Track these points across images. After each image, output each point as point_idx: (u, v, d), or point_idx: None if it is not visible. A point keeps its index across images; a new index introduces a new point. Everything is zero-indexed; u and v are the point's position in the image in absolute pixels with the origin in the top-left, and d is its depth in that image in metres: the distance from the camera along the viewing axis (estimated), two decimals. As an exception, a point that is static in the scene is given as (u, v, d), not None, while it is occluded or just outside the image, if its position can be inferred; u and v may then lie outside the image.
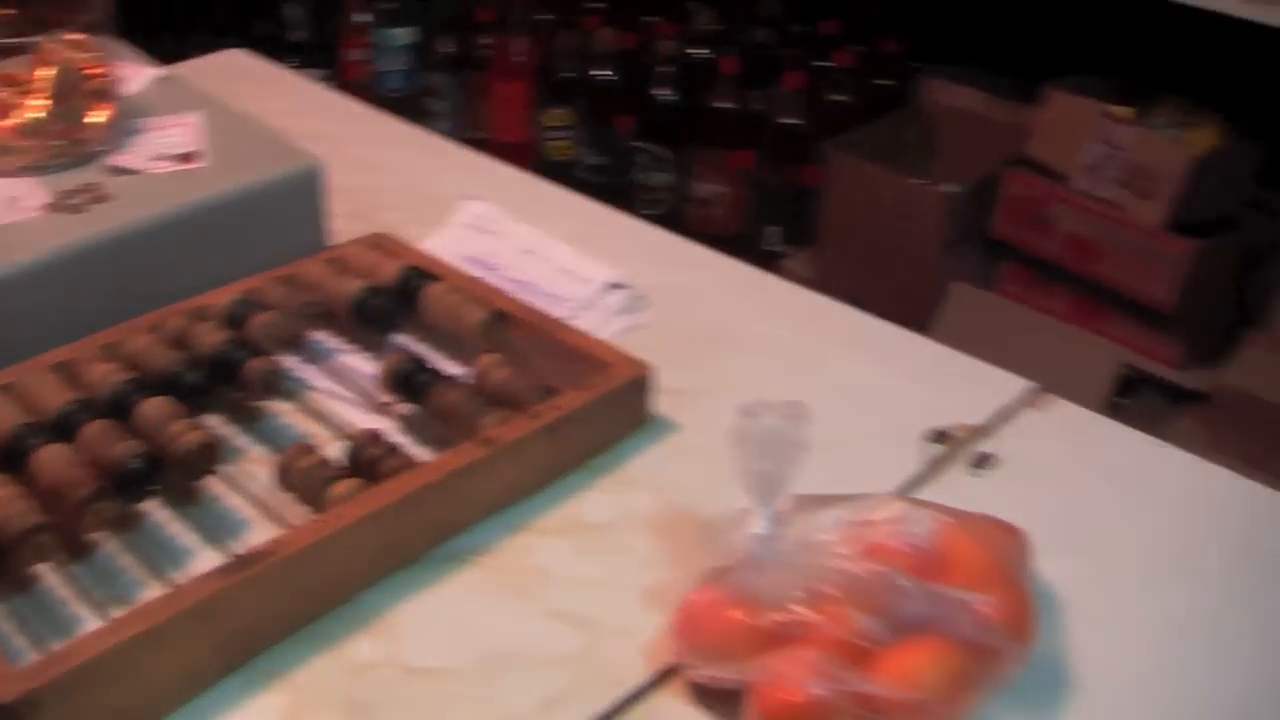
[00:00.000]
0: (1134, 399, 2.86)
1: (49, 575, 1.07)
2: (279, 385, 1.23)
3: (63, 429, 1.13)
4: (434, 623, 1.02)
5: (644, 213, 2.98)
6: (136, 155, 1.41)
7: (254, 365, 1.21)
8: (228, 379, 1.22)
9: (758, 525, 0.96)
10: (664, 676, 1.00)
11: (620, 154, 3.24)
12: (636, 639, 1.03)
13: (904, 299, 1.30)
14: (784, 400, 0.96)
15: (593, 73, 3.21)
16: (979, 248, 3.10)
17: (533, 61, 3.26)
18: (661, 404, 1.25)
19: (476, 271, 1.41)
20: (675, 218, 3.22)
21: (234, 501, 1.14)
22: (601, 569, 1.09)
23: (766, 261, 2.92)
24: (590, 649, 1.02)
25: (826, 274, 3.00)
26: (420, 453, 1.15)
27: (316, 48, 3.54)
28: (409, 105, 3.40)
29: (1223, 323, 2.86)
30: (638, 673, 1.00)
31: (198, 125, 1.47)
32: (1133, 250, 2.86)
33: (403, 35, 3.39)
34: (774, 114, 3.20)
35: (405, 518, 1.07)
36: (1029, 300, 3.05)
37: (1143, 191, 2.85)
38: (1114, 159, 2.89)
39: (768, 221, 3.23)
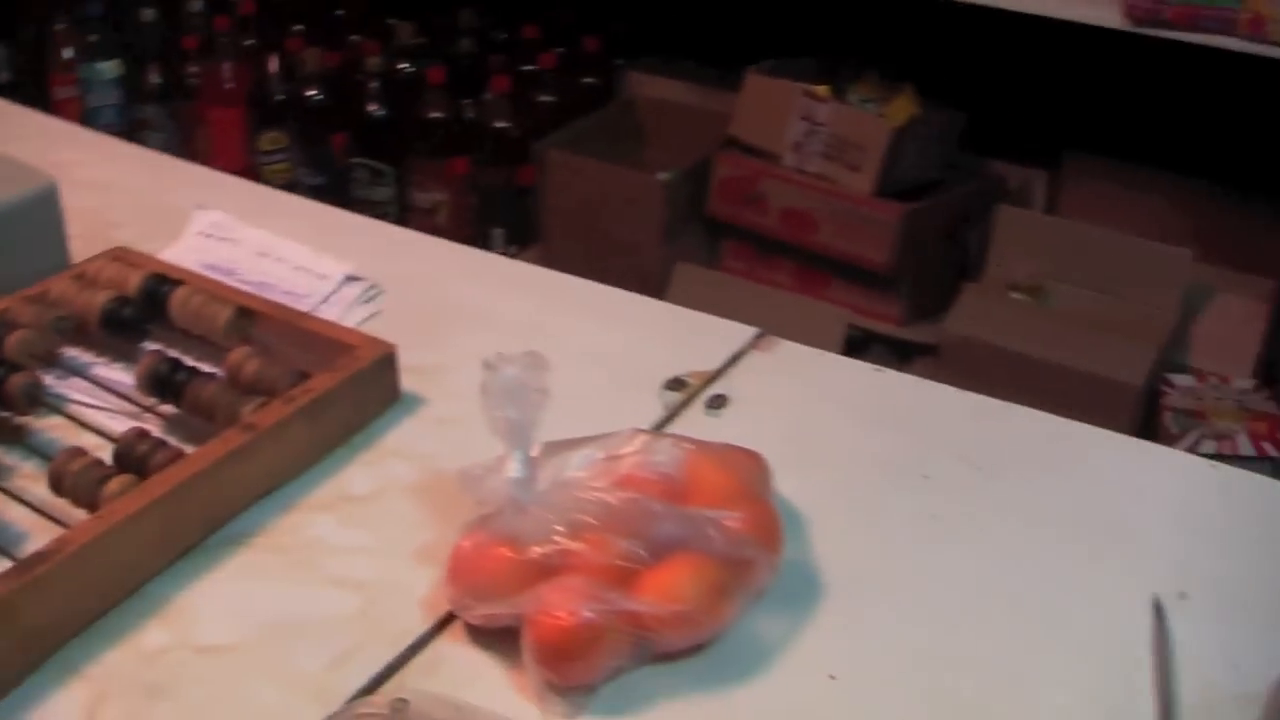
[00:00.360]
0: (863, 358, 2.98)
1: None
2: (41, 399, 1.26)
3: None
4: (219, 603, 1.07)
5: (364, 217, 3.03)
6: None
7: (14, 381, 1.24)
8: (-10, 397, 1.25)
9: (513, 470, 1.03)
10: (442, 624, 1.06)
11: (338, 172, 3.28)
12: (413, 594, 1.08)
13: (630, 285, 1.38)
14: (523, 351, 1.03)
15: (303, 94, 3.24)
16: (698, 230, 3.20)
17: (242, 87, 3.28)
18: (409, 381, 1.31)
19: (215, 277, 1.45)
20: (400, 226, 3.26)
21: (12, 514, 1.17)
22: (371, 536, 1.15)
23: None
24: (369, 609, 1.07)
25: (553, 268, 3.07)
26: (187, 449, 1.19)
27: (26, 86, 3.51)
28: (124, 139, 3.37)
29: (941, 278, 3.00)
30: (417, 624, 1.05)
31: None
32: (846, 218, 2.99)
33: (110, 69, 3.36)
34: (485, 120, 3.26)
35: (179, 507, 1.11)
36: (753, 274, 3.16)
37: (850, 163, 2.99)
38: (817, 135, 3.02)
39: (490, 224, 3.29)
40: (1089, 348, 2.74)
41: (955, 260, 3.09)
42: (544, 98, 3.31)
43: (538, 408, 1.02)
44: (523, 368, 1.02)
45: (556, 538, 0.99)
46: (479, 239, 3.27)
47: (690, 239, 3.19)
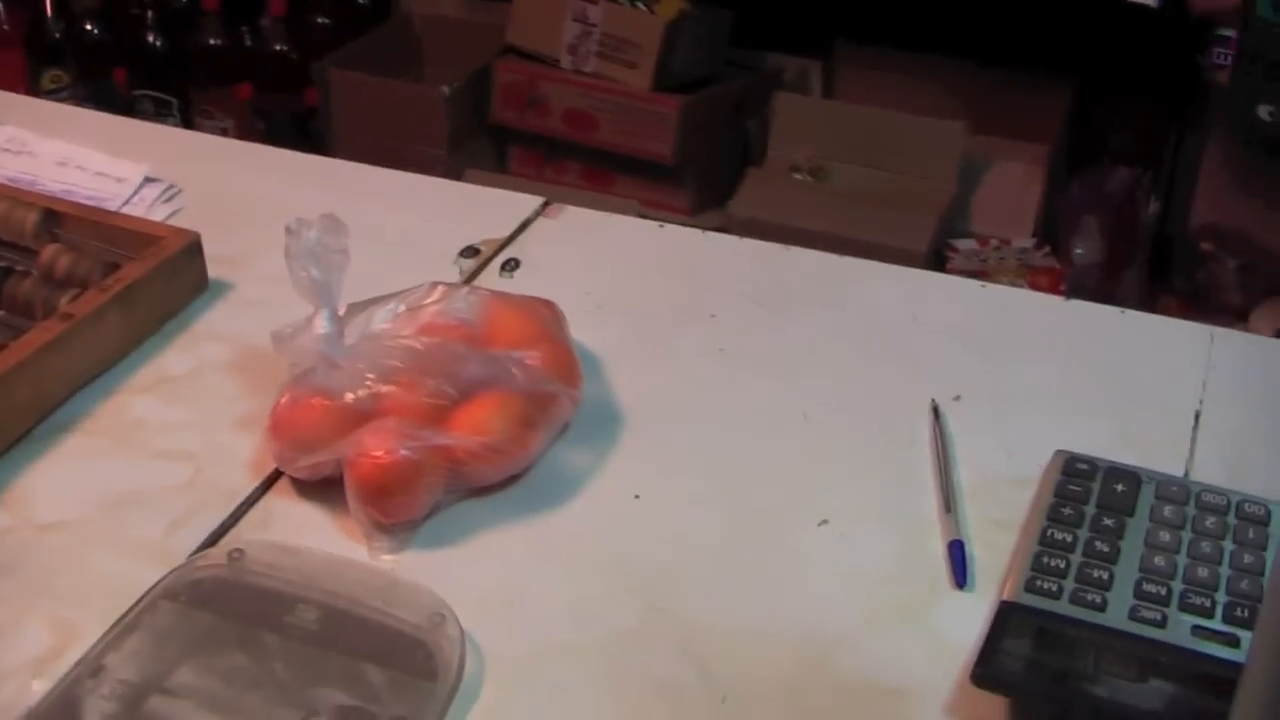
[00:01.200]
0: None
1: None
2: None
3: None
4: (54, 484, 1.12)
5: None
6: None
7: None
8: None
9: (321, 327, 1.09)
10: (270, 482, 1.12)
11: (123, 105, 3.28)
12: (238, 458, 1.14)
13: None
14: (321, 215, 1.09)
15: (81, 30, 3.23)
16: (484, 138, 3.26)
17: (18, 28, 3.26)
18: (215, 270, 1.36)
19: (18, 188, 1.49)
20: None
21: None
22: (193, 412, 1.20)
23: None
24: (198, 476, 1.13)
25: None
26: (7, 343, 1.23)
27: None
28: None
29: (725, 167, 3.09)
30: (245, 484, 1.12)
31: None
32: (627, 115, 3.07)
33: (-121, 16, 3.33)
34: (264, 44, 3.28)
35: (6, 397, 1.15)
36: (541, 177, 3.23)
37: (626, 61, 3.06)
38: (592, 35, 3.09)
39: (280, 147, 3.31)
40: (872, 221, 2.84)
41: (738, 149, 3.18)
42: (320, 19, 3.33)
43: (340, 268, 1.08)
44: (323, 230, 1.08)
45: (368, 384, 1.06)
46: (270, 161, 3.28)
47: (477, 148, 3.24)
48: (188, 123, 3.27)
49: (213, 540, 1.07)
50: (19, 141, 1.60)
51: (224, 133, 3.23)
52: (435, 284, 1.15)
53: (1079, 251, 2.89)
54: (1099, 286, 2.83)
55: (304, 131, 3.29)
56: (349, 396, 1.06)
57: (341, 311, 1.10)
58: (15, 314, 1.28)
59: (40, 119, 1.70)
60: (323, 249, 1.07)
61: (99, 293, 1.23)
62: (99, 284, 1.25)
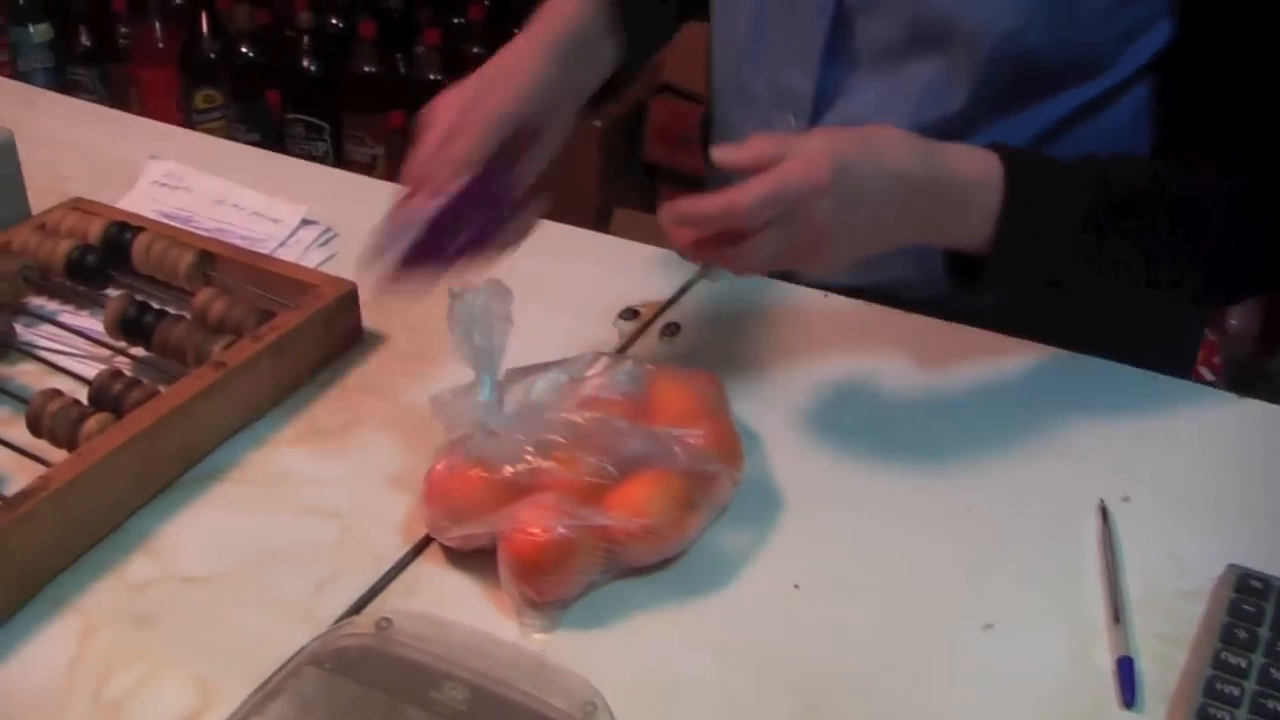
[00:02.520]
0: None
1: None
2: (12, 344, 1.29)
3: None
4: (200, 535, 1.10)
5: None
6: None
7: (-15, 329, 1.27)
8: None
9: (481, 394, 1.06)
10: (420, 547, 1.10)
11: (274, 128, 3.28)
12: (389, 520, 1.12)
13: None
14: (486, 280, 1.07)
15: (236, 51, 3.24)
16: (635, 174, 3.23)
17: (174, 46, 3.27)
18: (369, 318, 1.35)
19: (173, 225, 1.48)
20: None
21: (-3, 458, 1.20)
22: (344, 467, 1.18)
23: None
24: (347, 536, 1.11)
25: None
26: (160, 388, 1.21)
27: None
28: (61, 81, 3.36)
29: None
30: (395, 548, 1.09)
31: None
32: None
33: (41, 32, 3.32)
34: (417, 72, 3.27)
35: (156, 444, 1.14)
36: (689, 219, 3.18)
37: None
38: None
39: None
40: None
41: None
42: (475, 49, 3.32)
43: (503, 334, 1.06)
44: (488, 296, 1.06)
45: (527, 458, 1.03)
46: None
47: (627, 185, 3.22)
48: (338, 148, 3.26)
49: (359, 605, 1.05)
50: (177, 177, 1.59)
51: (373, 160, 3.22)
52: (598, 355, 1.12)
53: (1233, 323, 2.83)
54: (1254, 359, 2.76)
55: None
56: (507, 470, 1.03)
57: (501, 377, 1.07)
58: (166, 357, 1.26)
59: (198, 152, 1.70)
60: (487, 315, 1.05)
61: (252, 341, 1.22)
62: (252, 332, 1.23)
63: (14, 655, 1.02)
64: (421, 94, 3.11)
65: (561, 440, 1.03)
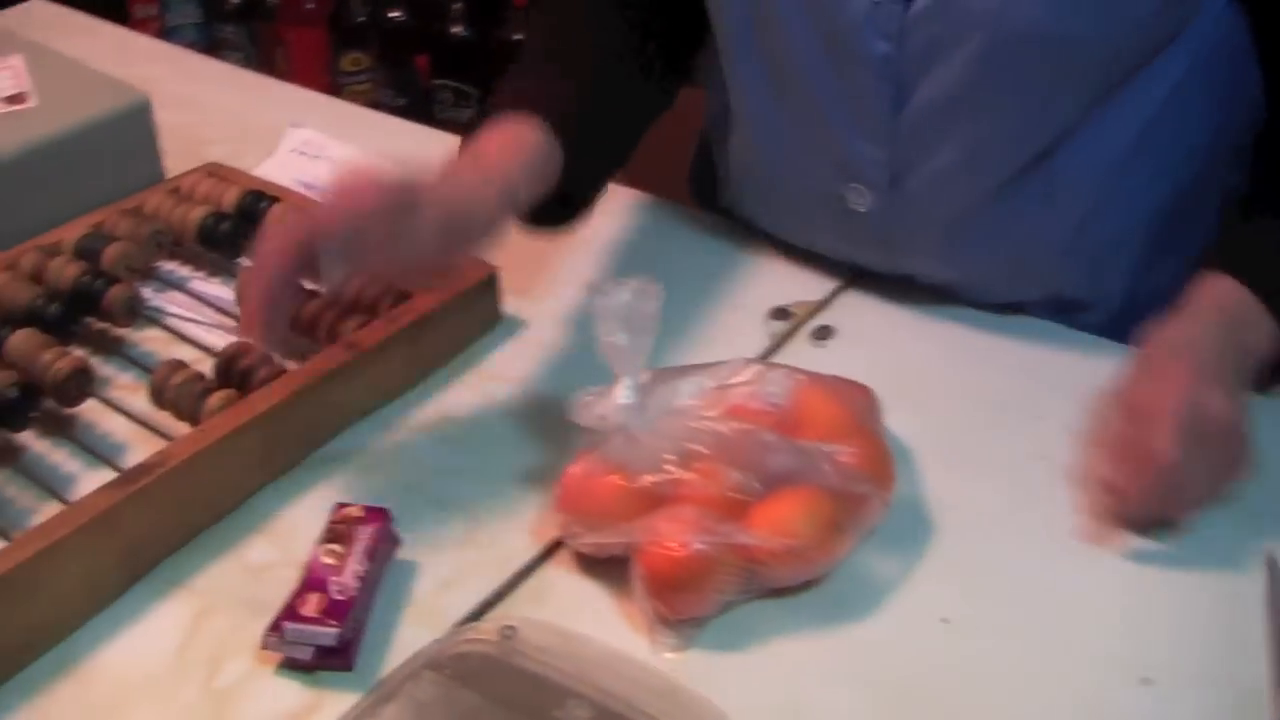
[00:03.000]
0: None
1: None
2: (139, 311, 1.25)
3: (-71, 362, 1.15)
4: (322, 521, 1.04)
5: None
6: (-39, 98, 1.42)
7: (115, 293, 1.23)
8: (89, 309, 1.24)
9: (623, 396, 1.01)
10: (550, 551, 1.05)
11: (421, 93, 3.25)
12: (519, 518, 1.07)
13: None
14: (635, 278, 1.01)
15: (385, 15, 3.21)
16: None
17: (323, 7, 3.24)
18: (509, 304, 1.30)
19: (309, 194, 1.44)
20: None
21: (111, 424, 1.17)
22: (476, 458, 1.14)
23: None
24: (475, 532, 1.07)
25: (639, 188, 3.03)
26: (287, 365, 1.18)
27: (106, 5, 3.47)
28: (208, 41, 3.36)
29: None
30: (524, 550, 1.05)
31: (20, 68, 1.48)
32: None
33: (190, -13, 3.33)
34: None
35: (281, 424, 1.10)
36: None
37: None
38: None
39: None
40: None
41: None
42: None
43: (649, 334, 1.01)
44: (634, 294, 1.00)
45: (668, 467, 0.98)
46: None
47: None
48: (484, 116, 3.22)
49: (483, 608, 1.00)
50: (317, 146, 1.55)
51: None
52: (747, 361, 1.07)
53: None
54: None
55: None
56: (646, 478, 0.98)
57: (645, 379, 1.02)
58: (298, 333, 1.23)
59: (340, 121, 1.66)
60: (633, 314, 0.99)
61: (387, 323, 1.17)
62: (387, 312, 1.19)
63: (124, 634, 0.99)
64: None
65: (705, 451, 0.98)
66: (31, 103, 1.40)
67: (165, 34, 3.35)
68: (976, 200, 1.23)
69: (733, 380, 1.04)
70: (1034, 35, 1.12)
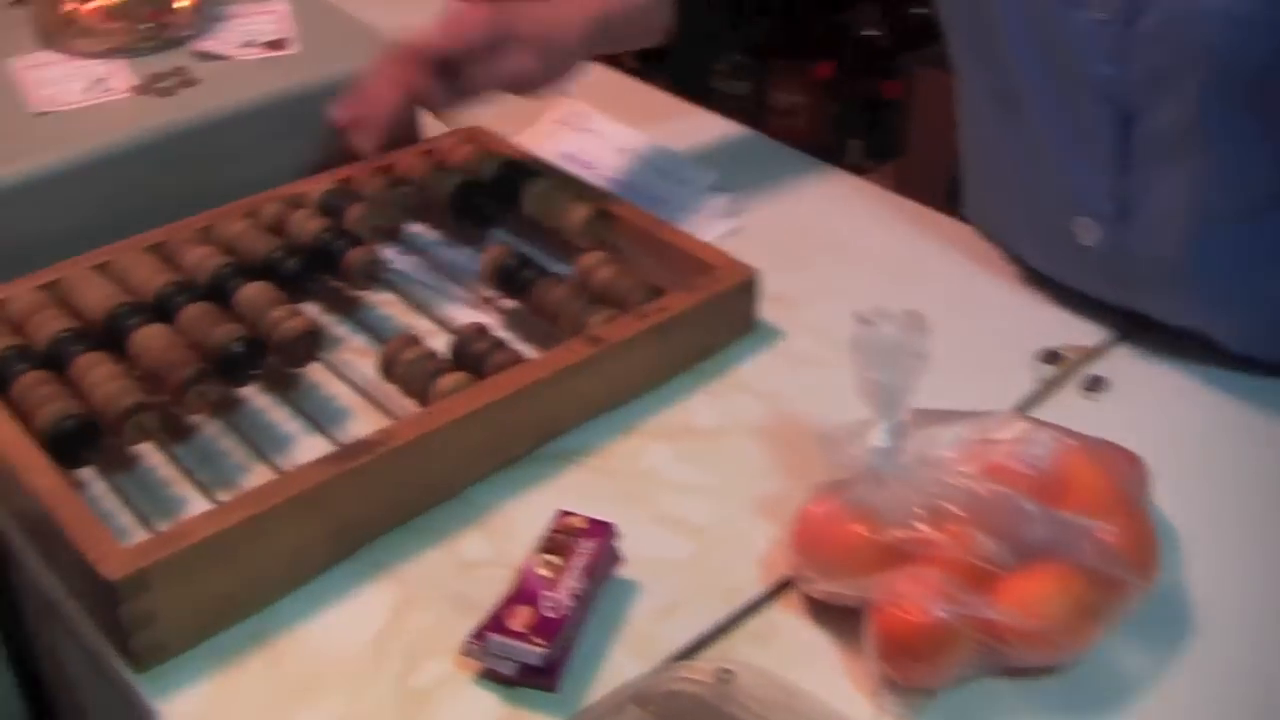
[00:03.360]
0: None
1: (150, 455, 1.06)
2: (378, 275, 1.21)
3: (161, 310, 1.13)
4: (542, 521, 0.99)
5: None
6: (224, 41, 1.39)
7: (355, 254, 1.19)
8: (327, 267, 1.21)
9: (878, 438, 0.94)
10: (779, 589, 0.98)
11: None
12: (750, 549, 1.01)
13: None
14: (900, 309, 0.94)
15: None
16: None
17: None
18: (766, 310, 1.23)
19: (571, 168, 1.39)
20: (754, 127, 3.17)
21: (335, 389, 1.13)
22: (711, 476, 1.07)
23: (847, 176, 2.89)
24: (702, 558, 1.00)
25: (909, 190, 2.95)
26: (524, 350, 1.13)
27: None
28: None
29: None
30: (752, 585, 0.98)
31: (285, 13, 1.45)
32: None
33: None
34: (854, 25, 3.15)
35: (513, 414, 1.05)
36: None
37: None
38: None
39: (849, 134, 3.19)
40: None
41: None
42: (916, 9, 3.19)
43: (912, 373, 0.93)
44: (901, 327, 0.93)
45: (916, 523, 0.91)
46: (835, 149, 3.16)
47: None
48: (759, 93, 3.16)
49: (701, 643, 0.94)
50: (583, 117, 1.50)
51: (793, 108, 3.12)
52: (1015, 415, 0.99)
53: None
54: None
55: (875, 123, 3.15)
56: (891, 533, 0.91)
57: (903, 418, 0.94)
58: (538, 315, 1.18)
59: (608, 92, 1.60)
60: (898, 350, 0.92)
61: (635, 319, 1.12)
62: (636, 308, 1.13)
63: (324, 612, 0.97)
64: (855, 48, 3.02)
65: (957, 511, 0.90)
66: (291, 49, 1.37)
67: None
68: (1215, 237, 1.14)
69: (996, 435, 0.96)
70: (1272, 65, 1.03)
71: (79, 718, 1.21)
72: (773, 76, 3.16)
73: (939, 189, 1.49)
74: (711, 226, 1.34)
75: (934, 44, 1.27)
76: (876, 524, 0.92)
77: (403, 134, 1.25)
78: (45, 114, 1.27)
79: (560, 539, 0.96)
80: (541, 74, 1.24)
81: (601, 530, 0.96)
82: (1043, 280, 1.30)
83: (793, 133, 3.14)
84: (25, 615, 1.18)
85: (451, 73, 1.19)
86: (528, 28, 1.21)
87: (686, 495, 1.05)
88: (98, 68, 1.34)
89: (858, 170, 3.07)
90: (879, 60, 3.10)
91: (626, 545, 0.99)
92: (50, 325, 1.10)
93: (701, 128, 1.57)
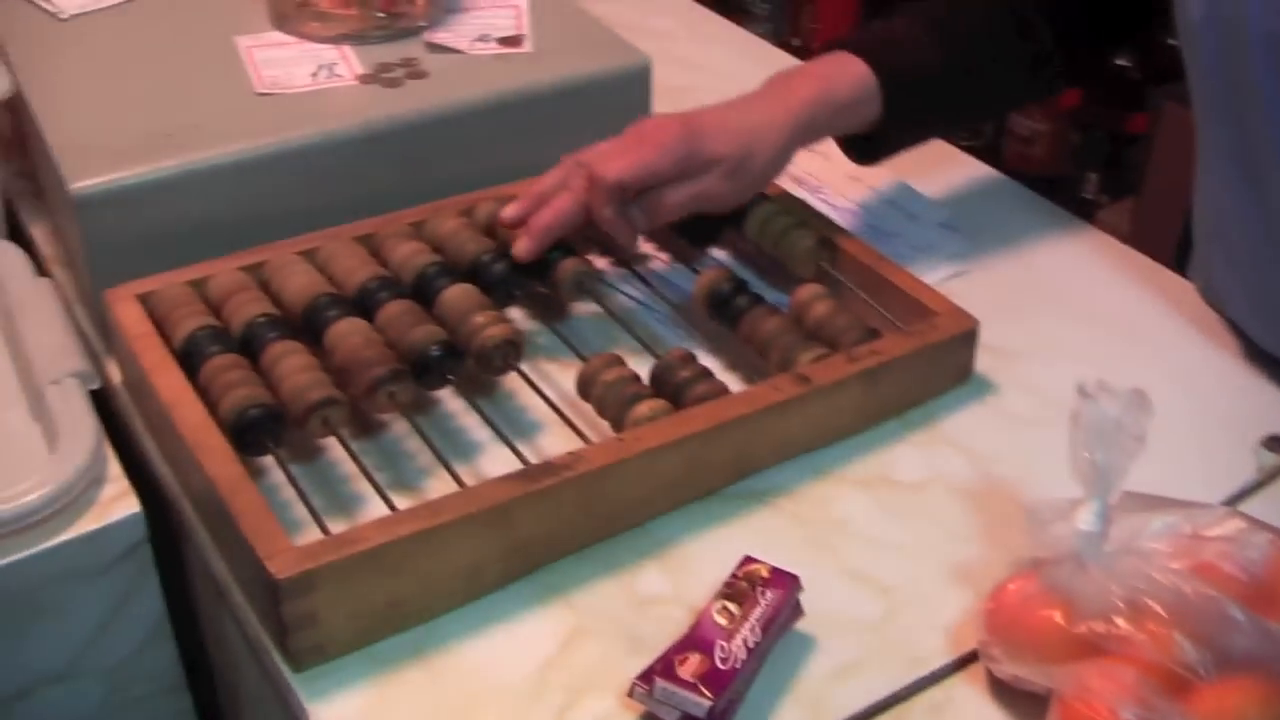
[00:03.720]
0: None
1: (334, 449, 1.05)
2: (589, 288, 1.19)
3: (361, 305, 1.11)
4: (726, 561, 0.95)
5: (962, 143, 2.87)
6: (458, 34, 1.37)
7: (567, 264, 1.17)
8: (537, 274, 1.18)
9: (1085, 520, 0.89)
10: (964, 662, 0.94)
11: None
12: (940, 615, 0.97)
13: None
14: (1124, 385, 0.89)
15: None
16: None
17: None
18: (982, 360, 1.18)
19: (799, 192, 1.35)
20: (993, 151, 3.11)
21: (529, 400, 1.11)
22: (908, 533, 1.03)
23: (1081, 209, 2.82)
24: (887, 619, 0.96)
25: (1145, 231, 2.87)
26: (727, 379, 1.10)
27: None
28: (727, 5, 3.32)
29: None
30: (937, 653, 0.94)
31: (522, 8, 1.43)
32: None
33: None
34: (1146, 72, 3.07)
35: (709, 448, 1.02)
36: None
37: None
38: None
39: (1087, 167, 3.11)
40: None
41: None
42: (1172, 40, 3.09)
43: (1130, 455, 0.88)
44: (1123, 406, 0.88)
45: (1115, 617, 0.85)
46: (1072, 181, 3.08)
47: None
48: (999, 119, 3.09)
49: (876, 710, 0.91)
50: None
51: (1032, 137, 3.04)
52: (1232, 513, 0.92)
53: None
54: None
55: (1116, 158, 3.07)
56: (1088, 626, 0.86)
57: (1113, 501, 0.89)
58: (747, 345, 1.14)
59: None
60: (1117, 429, 0.87)
61: (846, 361, 1.08)
62: (849, 349, 1.09)
63: (491, 632, 0.95)
64: (1105, 78, 2.92)
65: (1159, 609, 0.85)
66: (526, 47, 1.34)
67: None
68: None
69: (1210, 531, 0.90)
70: None
71: (233, 699, 1.21)
72: (1020, 103, 3.09)
73: (1174, 233, 1.42)
74: (937, 267, 1.30)
75: (1185, 80, 1.20)
76: (1073, 612, 0.87)
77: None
78: (268, 95, 1.26)
79: (741, 586, 0.92)
80: (732, 196, 1.19)
81: (785, 582, 0.93)
82: (1269, 359, 1.23)
83: (1030, 161, 3.07)
84: (195, 590, 1.18)
85: (634, 194, 1.16)
86: (722, 148, 1.16)
87: (879, 550, 1.02)
88: (327, 52, 1.32)
89: (1094, 205, 3.01)
90: (1127, 92, 3.01)
91: (809, 597, 0.94)
92: (248, 309, 1.09)
93: (938, 158, 1.51)
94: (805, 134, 1.20)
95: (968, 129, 1.33)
